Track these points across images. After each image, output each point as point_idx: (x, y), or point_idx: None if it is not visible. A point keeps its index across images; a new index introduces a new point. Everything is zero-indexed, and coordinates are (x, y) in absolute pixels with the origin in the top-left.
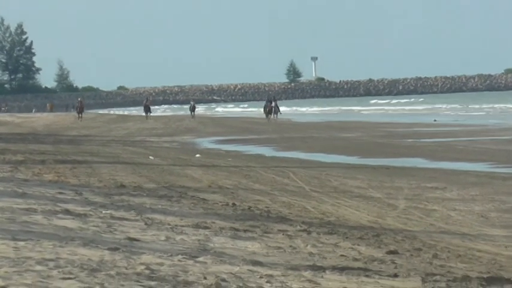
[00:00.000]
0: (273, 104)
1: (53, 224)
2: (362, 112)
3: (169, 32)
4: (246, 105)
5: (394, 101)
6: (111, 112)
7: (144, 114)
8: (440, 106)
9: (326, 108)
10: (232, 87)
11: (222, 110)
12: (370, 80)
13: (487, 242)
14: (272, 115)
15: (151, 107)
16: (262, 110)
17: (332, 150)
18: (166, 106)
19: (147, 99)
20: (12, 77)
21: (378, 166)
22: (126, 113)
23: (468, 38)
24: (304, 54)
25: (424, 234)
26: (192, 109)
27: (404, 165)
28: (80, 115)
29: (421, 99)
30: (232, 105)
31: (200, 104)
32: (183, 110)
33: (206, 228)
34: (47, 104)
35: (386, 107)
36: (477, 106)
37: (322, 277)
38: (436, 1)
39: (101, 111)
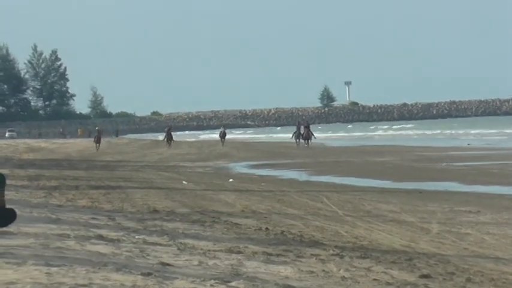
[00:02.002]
0: (302, 129)
1: (86, 249)
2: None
3: (204, 57)
4: (279, 129)
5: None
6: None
7: (166, 142)
8: (474, 131)
9: (358, 133)
10: (266, 112)
11: (255, 135)
12: (404, 104)
13: None
14: (304, 141)
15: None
16: (292, 135)
17: (365, 175)
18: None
19: (169, 126)
20: (47, 103)
21: (411, 190)
22: (159, 138)
23: (503, 61)
24: (338, 78)
25: (458, 258)
26: (222, 136)
27: (437, 189)
28: (98, 145)
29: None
30: (265, 130)
31: (234, 129)
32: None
33: (239, 252)
34: (78, 130)
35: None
36: (509, 131)
37: None
38: (470, 25)
39: (134, 136)
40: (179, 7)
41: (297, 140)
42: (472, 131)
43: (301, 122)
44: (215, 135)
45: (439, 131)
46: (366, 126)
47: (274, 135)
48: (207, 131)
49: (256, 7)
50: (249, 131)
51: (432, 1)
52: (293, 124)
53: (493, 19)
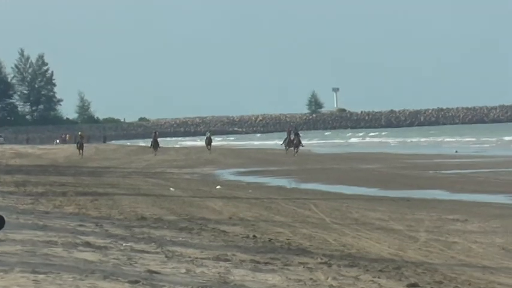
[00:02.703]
0: (293, 136)
1: (74, 256)
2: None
3: (190, 63)
4: (266, 136)
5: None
6: (128, 144)
7: (152, 148)
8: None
9: (347, 140)
10: (253, 118)
11: (242, 141)
12: (392, 111)
13: (508, 275)
14: (294, 148)
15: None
16: (282, 142)
17: (353, 182)
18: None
19: (155, 133)
20: (34, 108)
21: (398, 198)
22: (141, 144)
23: (490, 68)
24: (325, 85)
25: (445, 267)
26: (208, 142)
27: (425, 197)
28: (81, 151)
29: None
30: (253, 136)
31: (221, 135)
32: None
33: (226, 260)
34: (66, 135)
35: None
36: (495, 138)
37: None
38: (457, 33)
39: (122, 142)
40: (167, 13)
41: (287, 147)
42: (448, 139)
43: (291, 128)
44: (202, 142)
45: (417, 139)
46: (345, 133)
47: (256, 142)
48: (195, 137)
49: (243, 12)
50: (230, 138)
51: (418, 9)
52: (280, 130)
53: (482, 28)
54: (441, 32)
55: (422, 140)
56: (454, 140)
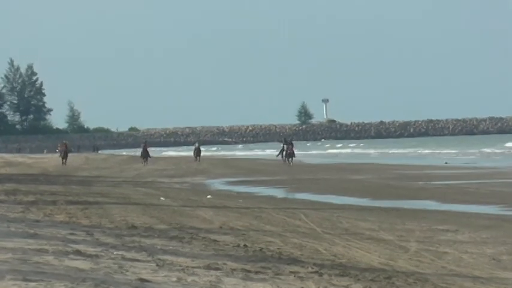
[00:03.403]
0: (286, 147)
1: (64, 264)
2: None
3: (181, 74)
4: (255, 147)
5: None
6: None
7: (142, 158)
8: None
9: (337, 150)
10: (243, 128)
11: (232, 151)
12: (382, 123)
13: (499, 285)
14: (288, 159)
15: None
16: (276, 152)
17: (343, 192)
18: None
19: (145, 142)
20: (24, 117)
21: (389, 208)
22: (123, 153)
23: (479, 80)
24: (315, 96)
25: (436, 277)
26: (197, 153)
27: (415, 207)
28: (64, 160)
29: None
30: (242, 147)
31: (211, 146)
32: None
33: (217, 269)
34: (58, 144)
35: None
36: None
37: None
38: (446, 44)
39: (112, 152)
40: (157, 23)
41: (284, 158)
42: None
43: (287, 139)
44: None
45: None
46: (323, 143)
47: (238, 153)
48: (184, 147)
49: (234, 24)
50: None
51: (408, 20)
52: (271, 141)
53: (473, 38)
54: (431, 43)
55: (405, 151)
56: (429, 152)
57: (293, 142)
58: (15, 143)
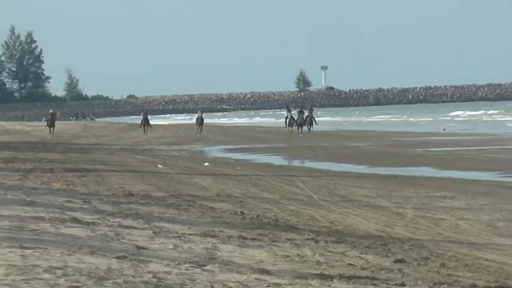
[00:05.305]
0: (296, 115)
1: (61, 232)
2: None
3: (178, 40)
4: (253, 113)
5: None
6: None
7: (142, 127)
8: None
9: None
10: (242, 96)
11: (230, 119)
12: (380, 89)
13: (494, 252)
14: (309, 126)
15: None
16: (284, 120)
17: (341, 159)
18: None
19: (145, 110)
20: (22, 85)
21: (386, 175)
22: (123, 121)
23: (478, 47)
24: (314, 63)
25: (432, 244)
26: (200, 122)
27: (412, 174)
28: (52, 129)
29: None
30: (242, 114)
31: (210, 113)
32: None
33: (214, 236)
34: (57, 112)
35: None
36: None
37: (329, 286)
38: (446, 12)
39: (110, 120)
40: None
41: (292, 127)
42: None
43: (290, 107)
44: (190, 121)
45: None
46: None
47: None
48: (183, 115)
49: None
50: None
51: None
52: (270, 108)
53: (471, 4)
54: (429, 9)
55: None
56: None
57: (313, 108)
58: (13, 111)
